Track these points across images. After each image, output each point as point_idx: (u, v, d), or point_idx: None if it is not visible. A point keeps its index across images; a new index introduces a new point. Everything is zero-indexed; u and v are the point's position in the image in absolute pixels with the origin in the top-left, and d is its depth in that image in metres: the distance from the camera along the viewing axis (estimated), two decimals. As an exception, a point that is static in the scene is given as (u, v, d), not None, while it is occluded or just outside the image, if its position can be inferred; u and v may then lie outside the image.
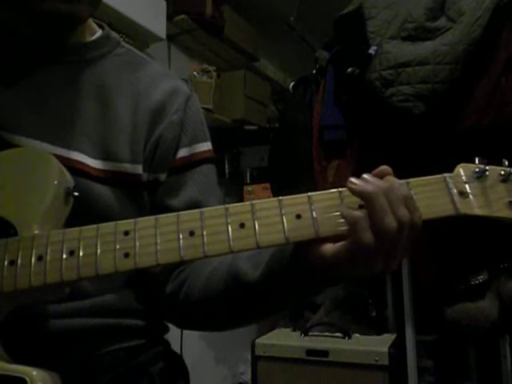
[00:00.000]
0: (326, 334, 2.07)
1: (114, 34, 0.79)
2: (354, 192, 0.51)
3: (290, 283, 0.59)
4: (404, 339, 1.93)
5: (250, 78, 2.88)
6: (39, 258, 0.54)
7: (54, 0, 0.64)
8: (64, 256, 0.53)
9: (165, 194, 0.74)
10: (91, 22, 0.77)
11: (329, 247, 0.53)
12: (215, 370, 2.72)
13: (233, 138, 2.84)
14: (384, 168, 0.53)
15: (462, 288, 1.85)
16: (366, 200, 0.51)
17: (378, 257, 0.51)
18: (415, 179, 0.53)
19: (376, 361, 1.82)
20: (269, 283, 0.60)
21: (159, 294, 0.73)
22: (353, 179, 0.51)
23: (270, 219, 0.51)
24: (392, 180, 0.52)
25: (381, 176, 0.52)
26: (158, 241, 0.52)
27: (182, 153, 0.75)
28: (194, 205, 0.72)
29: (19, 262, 0.54)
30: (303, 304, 2.51)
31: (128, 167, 0.70)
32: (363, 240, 0.50)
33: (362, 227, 0.50)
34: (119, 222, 0.54)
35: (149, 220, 0.54)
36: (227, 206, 0.53)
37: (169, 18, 2.27)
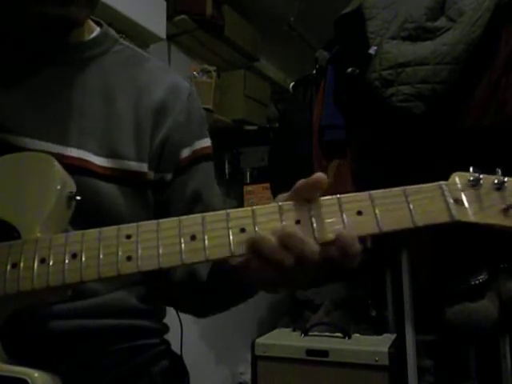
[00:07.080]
0: (326, 333, 2.07)
1: (113, 32, 0.80)
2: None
3: (229, 284, 0.68)
4: (404, 339, 1.93)
5: (250, 78, 2.87)
6: (42, 261, 0.54)
7: (50, 4, 0.64)
8: (66, 259, 0.53)
9: (172, 193, 0.76)
10: (89, 21, 0.77)
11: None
12: (215, 370, 2.72)
13: (233, 137, 2.83)
14: (318, 176, 0.52)
15: (462, 288, 1.86)
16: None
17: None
18: (412, 187, 0.53)
19: (376, 361, 1.82)
20: (213, 283, 0.71)
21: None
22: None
23: (270, 224, 0.52)
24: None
25: (313, 185, 0.52)
26: (160, 245, 0.52)
27: (186, 152, 0.77)
28: (197, 196, 0.76)
29: (22, 264, 0.54)
30: (302, 304, 2.52)
31: (133, 165, 0.71)
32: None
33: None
34: (121, 225, 0.55)
35: (151, 224, 0.54)
36: (228, 210, 0.53)
37: (169, 18, 2.27)
